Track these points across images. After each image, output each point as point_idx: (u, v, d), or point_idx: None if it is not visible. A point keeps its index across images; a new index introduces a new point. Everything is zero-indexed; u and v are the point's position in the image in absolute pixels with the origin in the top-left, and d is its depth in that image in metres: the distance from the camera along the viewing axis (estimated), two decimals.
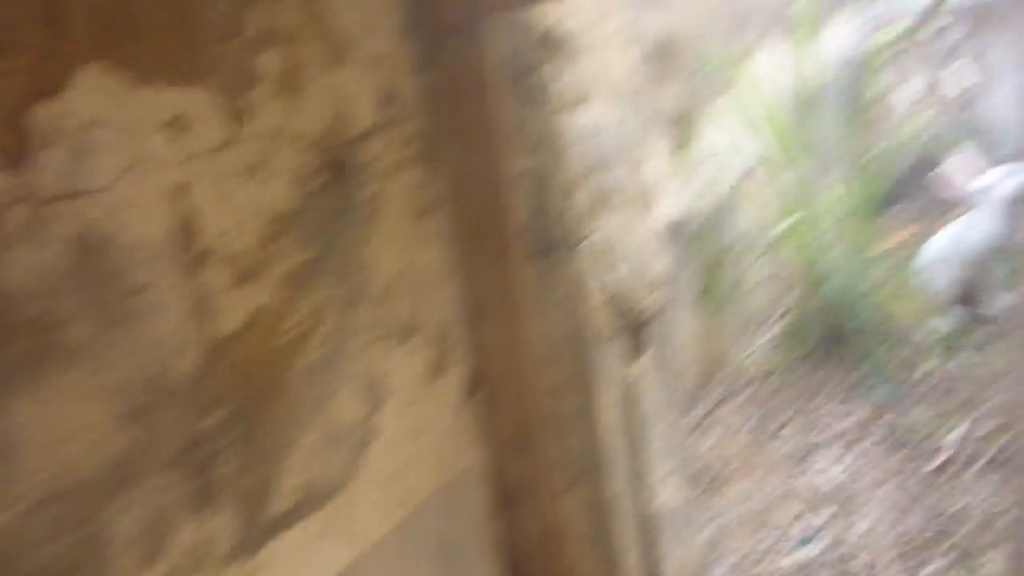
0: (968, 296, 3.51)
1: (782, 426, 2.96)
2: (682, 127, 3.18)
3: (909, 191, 4.41)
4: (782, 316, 3.81)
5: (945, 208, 4.10)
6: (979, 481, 2.50)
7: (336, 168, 1.72)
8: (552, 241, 1.88)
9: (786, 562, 2.32)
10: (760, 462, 2.79)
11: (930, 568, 2.19)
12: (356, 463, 1.76)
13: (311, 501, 1.66)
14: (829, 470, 2.68)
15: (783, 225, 3.46)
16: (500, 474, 2.09)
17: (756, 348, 3.51)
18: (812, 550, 2.33)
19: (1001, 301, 3.53)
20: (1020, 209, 3.57)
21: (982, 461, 2.57)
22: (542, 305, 1.93)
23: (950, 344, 3.28)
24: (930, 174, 3.60)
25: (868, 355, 3.14)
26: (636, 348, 2.06)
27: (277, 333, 1.57)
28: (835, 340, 3.35)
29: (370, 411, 1.79)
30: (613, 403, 1.97)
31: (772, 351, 3.49)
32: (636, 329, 2.05)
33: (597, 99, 1.92)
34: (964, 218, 3.62)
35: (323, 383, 1.68)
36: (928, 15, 4.64)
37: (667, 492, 2.14)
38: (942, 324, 3.40)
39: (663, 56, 3.04)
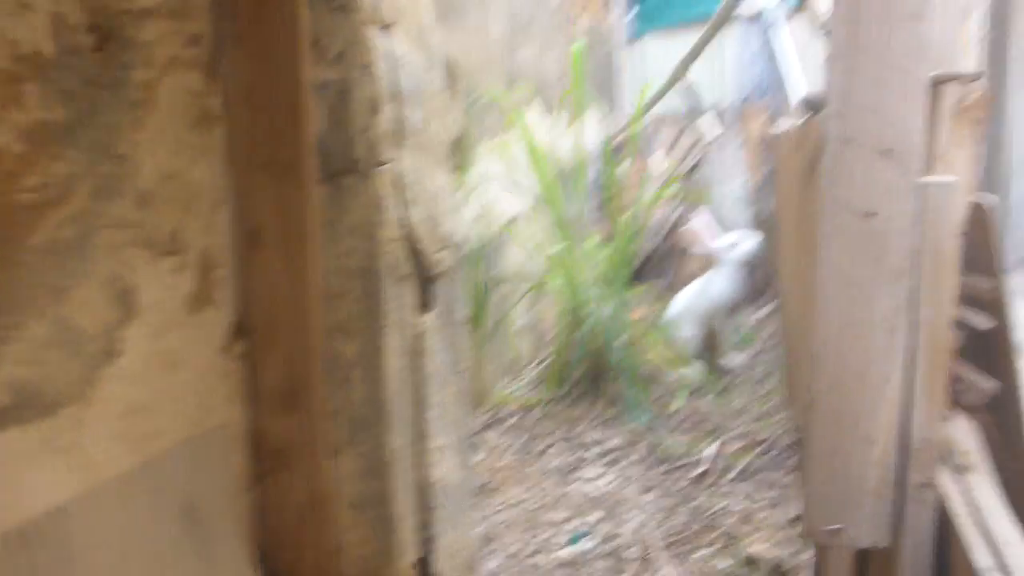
0: (708, 348, 3.77)
1: (547, 447, 2.91)
2: (457, 151, 3.20)
3: (656, 267, 4.79)
4: (544, 356, 3.86)
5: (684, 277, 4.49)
6: (735, 486, 2.59)
7: (104, 35, 1.50)
8: (348, 162, 1.74)
9: (562, 554, 2.22)
10: (529, 474, 2.71)
11: (699, 554, 2.19)
12: (93, 377, 1.46)
13: (32, 405, 1.35)
14: (596, 480, 2.65)
15: (547, 271, 3.56)
16: (263, 436, 1.82)
17: (520, 382, 3.50)
18: (586, 545, 2.25)
19: (735, 358, 3.83)
20: (748, 273, 3.97)
21: (734, 472, 2.67)
22: (330, 233, 1.76)
23: (696, 388, 3.47)
24: (679, 230, 3.91)
25: (624, 393, 3.23)
26: (425, 301, 1.93)
27: (12, 188, 1.30)
28: (594, 379, 3.43)
29: (116, 322, 1.50)
30: (399, 352, 1.81)
31: (534, 387, 3.50)
32: (426, 281, 1.93)
33: (403, 32, 1.86)
34: (703, 277, 3.95)
35: (64, 269, 1.40)
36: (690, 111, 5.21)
37: (445, 466, 1.98)
38: (689, 372, 3.60)
39: (448, 75, 3.08)
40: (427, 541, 1.90)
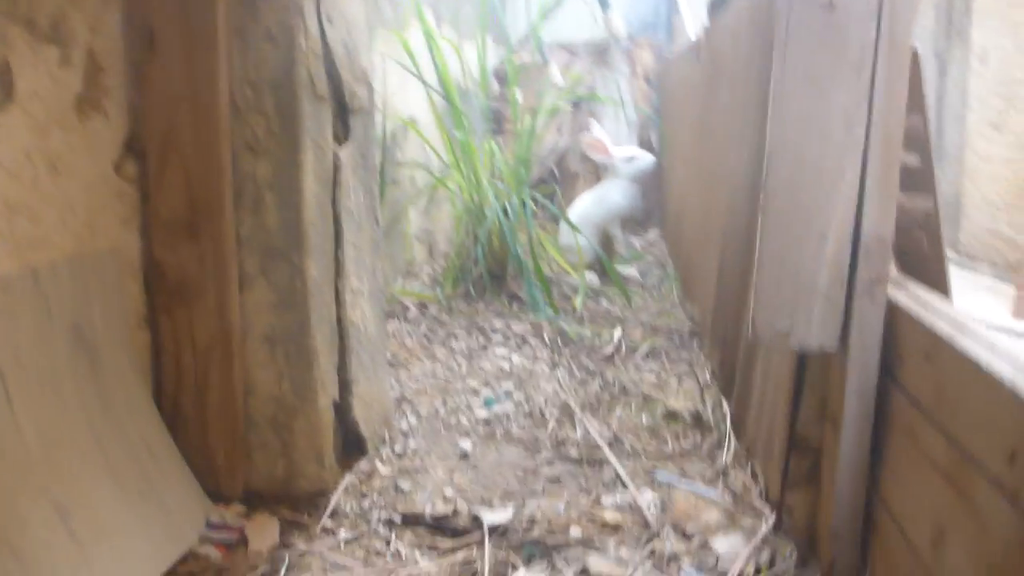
0: (603, 255, 3.76)
1: (451, 334, 2.82)
2: None
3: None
4: (441, 257, 3.76)
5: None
6: (643, 363, 2.59)
7: None
8: None
9: (481, 413, 2.14)
10: (435, 353, 2.62)
11: (619, 412, 2.16)
12: None
13: None
14: (505, 359, 2.59)
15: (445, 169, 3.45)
16: (163, 267, 1.64)
17: (416, 281, 3.38)
18: (505, 407, 2.18)
19: (626, 269, 3.85)
20: (640, 190, 3.99)
21: (641, 352, 2.67)
22: (240, 40, 1.59)
23: (593, 292, 3.45)
24: (581, 136, 3.87)
25: (525, 292, 3.17)
26: (343, 131, 1.79)
27: None
28: (494, 278, 3.36)
29: None
30: (317, 177, 1.67)
31: (431, 286, 3.39)
32: (343, 111, 1.78)
33: None
34: (599, 187, 3.93)
35: None
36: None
37: (360, 311, 1.86)
38: (587, 278, 3.58)
39: None
40: (344, 385, 1.78)
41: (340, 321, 1.76)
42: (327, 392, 1.71)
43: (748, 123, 2.19)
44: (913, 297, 1.37)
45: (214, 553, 1.54)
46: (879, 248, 1.36)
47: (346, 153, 1.77)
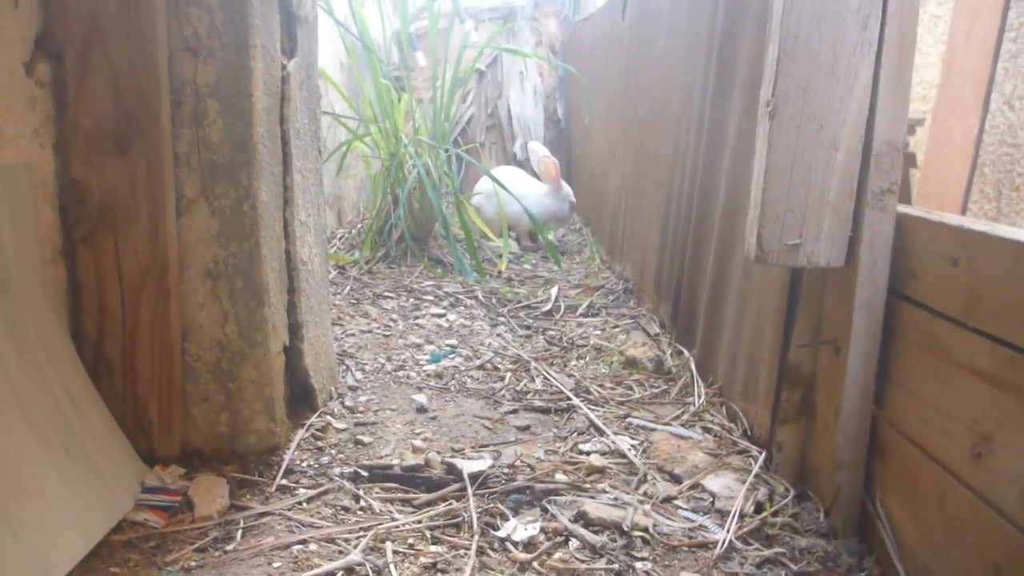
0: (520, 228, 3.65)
1: (380, 295, 2.64)
2: None
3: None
4: (357, 221, 3.55)
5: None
6: (585, 319, 2.49)
7: None
8: None
9: (429, 368, 1.98)
10: (369, 312, 2.43)
11: (574, 363, 2.06)
12: None
13: None
14: (442, 317, 2.43)
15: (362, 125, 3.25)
16: (83, 188, 1.41)
17: (331, 247, 3.17)
18: (455, 361, 2.03)
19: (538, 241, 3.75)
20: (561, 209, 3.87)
21: (580, 310, 2.57)
22: None
23: (515, 257, 3.34)
24: (536, 150, 3.69)
25: (450, 254, 3.03)
26: (289, 44, 1.59)
27: None
28: (416, 241, 3.19)
29: None
30: (265, 88, 1.47)
31: (349, 249, 3.19)
32: (290, 19, 1.59)
33: None
34: (526, 181, 3.77)
35: None
36: None
37: (308, 248, 1.67)
38: (511, 245, 3.47)
39: None
40: (293, 330, 1.59)
41: (289, 257, 1.57)
42: (278, 336, 1.52)
43: (697, 66, 2.13)
44: (920, 210, 1.31)
45: (154, 519, 1.33)
46: (891, 154, 1.29)
47: (294, 66, 1.58)
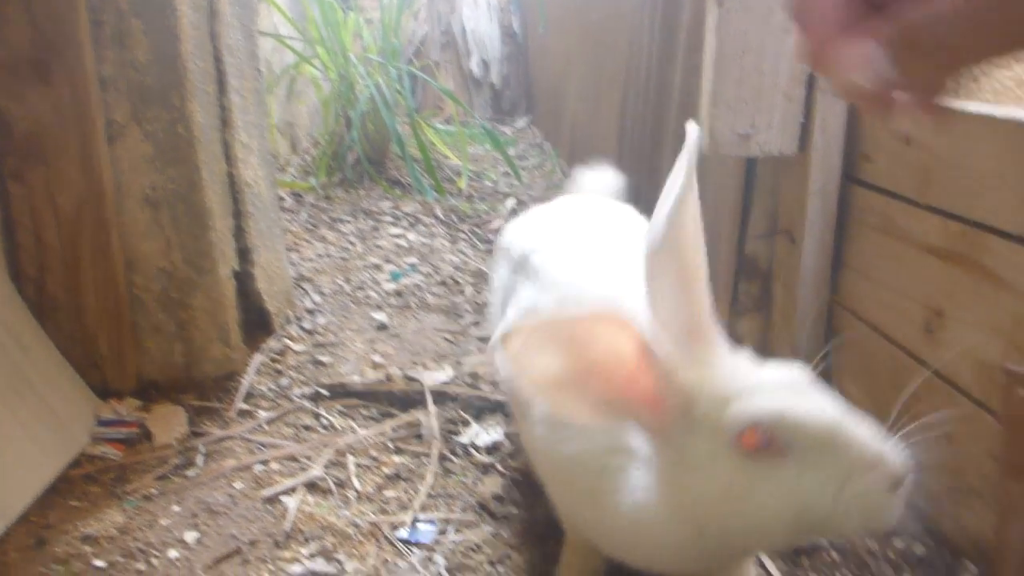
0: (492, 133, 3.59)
1: (336, 219, 2.59)
2: None
3: None
4: (309, 146, 3.48)
5: None
6: None
7: None
8: None
9: (390, 287, 1.96)
10: (325, 236, 2.39)
11: None
12: None
13: None
14: (401, 237, 2.40)
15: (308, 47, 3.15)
16: (6, 119, 1.34)
17: (284, 174, 3.10)
18: (415, 278, 2.00)
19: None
20: None
21: None
22: None
23: (474, 173, 3.29)
24: None
25: (408, 174, 2.97)
26: None
27: None
28: (373, 163, 3.13)
29: None
30: (192, 3, 1.39)
31: (302, 176, 3.12)
32: None
33: None
34: None
35: None
36: None
37: (252, 170, 1.62)
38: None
39: None
40: (243, 254, 1.55)
41: (232, 180, 1.52)
42: (227, 261, 1.48)
43: None
44: None
45: (112, 452, 1.31)
46: None
47: None
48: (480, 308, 1.83)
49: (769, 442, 0.63)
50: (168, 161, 1.39)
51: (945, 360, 1.04)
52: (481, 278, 2.02)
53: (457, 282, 1.99)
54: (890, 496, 0.63)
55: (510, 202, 2.71)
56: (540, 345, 0.63)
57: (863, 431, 0.64)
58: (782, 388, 0.66)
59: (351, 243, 2.34)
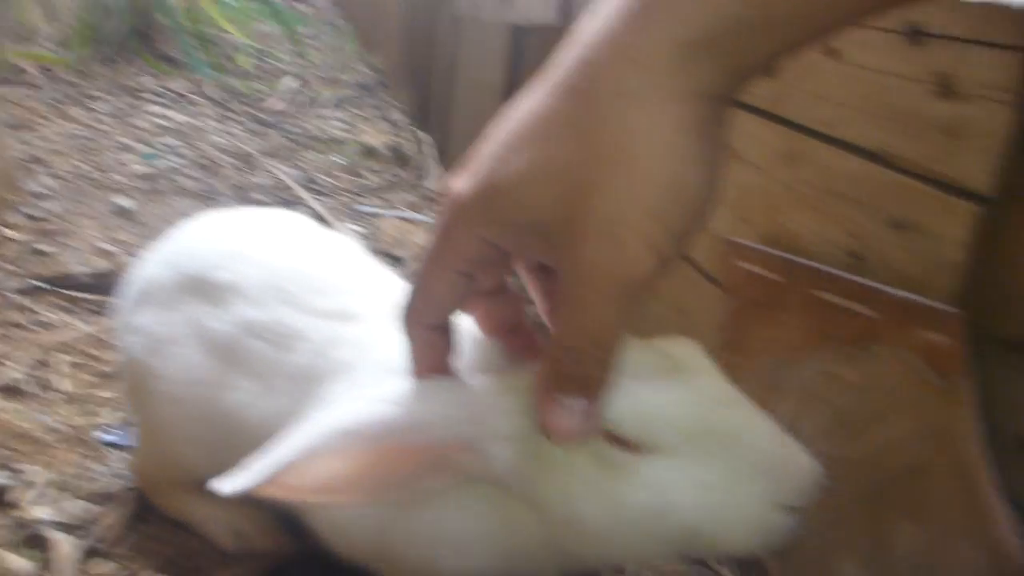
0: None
1: (90, 96, 2.31)
2: None
3: None
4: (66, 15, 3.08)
5: None
6: (328, 112, 2.32)
7: None
8: None
9: (139, 168, 1.77)
10: (73, 115, 2.13)
11: (309, 156, 1.90)
12: None
13: None
14: (165, 116, 2.17)
15: None
16: None
17: (35, 45, 2.72)
18: (168, 162, 1.82)
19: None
20: None
21: (324, 102, 2.39)
22: None
23: (258, 50, 3.03)
24: None
25: (179, 50, 2.69)
26: None
27: None
28: (139, 36, 2.80)
29: None
30: None
31: (57, 48, 2.76)
32: None
33: None
34: None
35: None
36: None
37: None
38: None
39: None
40: None
41: None
42: None
43: None
44: None
45: None
46: None
47: None
48: (239, 191, 1.69)
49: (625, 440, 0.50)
50: None
51: None
52: (247, 161, 1.86)
53: (219, 165, 1.82)
54: (779, 513, 0.51)
55: (288, 80, 2.52)
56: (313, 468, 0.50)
57: (756, 431, 0.51)
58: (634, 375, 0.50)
59: (102, 122, 2.09)
